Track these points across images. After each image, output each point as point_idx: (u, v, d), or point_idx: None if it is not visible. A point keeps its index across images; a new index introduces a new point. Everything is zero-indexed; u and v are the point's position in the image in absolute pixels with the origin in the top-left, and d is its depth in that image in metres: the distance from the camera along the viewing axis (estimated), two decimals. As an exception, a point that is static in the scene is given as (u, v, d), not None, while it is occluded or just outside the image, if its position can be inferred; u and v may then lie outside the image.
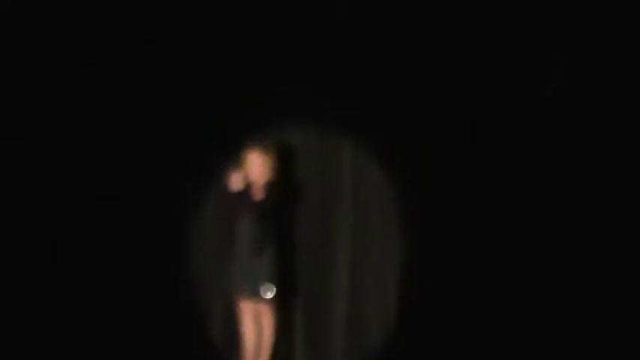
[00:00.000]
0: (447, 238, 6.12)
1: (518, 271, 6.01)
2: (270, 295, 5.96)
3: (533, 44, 5.86)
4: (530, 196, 5.98)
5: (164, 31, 5.79)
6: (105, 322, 5.87)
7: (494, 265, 6.04)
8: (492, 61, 5.93)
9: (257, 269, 5.99)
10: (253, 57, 5.98)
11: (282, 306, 6.17)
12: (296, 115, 6.14)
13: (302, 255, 6.30)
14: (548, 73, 5.91)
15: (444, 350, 6.01)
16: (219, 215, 6.15)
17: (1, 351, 5.47)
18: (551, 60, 5.80)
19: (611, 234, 5.82)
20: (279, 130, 6.22)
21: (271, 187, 6.03)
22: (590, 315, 5.84)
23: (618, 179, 5.83)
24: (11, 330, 5.54)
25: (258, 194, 6.03)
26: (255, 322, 6.08)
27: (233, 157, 6.02)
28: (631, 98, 5.78)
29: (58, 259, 5.75)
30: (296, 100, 6.09)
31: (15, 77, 5.60)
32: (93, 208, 5.87)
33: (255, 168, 5.99)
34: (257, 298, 6.00)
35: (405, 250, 6.25)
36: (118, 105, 5.87)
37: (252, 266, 5.99)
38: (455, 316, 6.08)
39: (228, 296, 6.13)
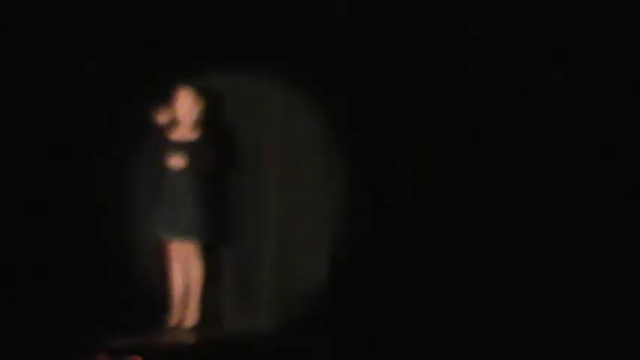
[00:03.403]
0: (378, 184, 6.14)
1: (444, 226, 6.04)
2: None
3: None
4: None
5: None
6: (36, 266, 5.87)
7: (418, 213, 6.07)
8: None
9: (185, 211, 5.94)
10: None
11: (211, 250, 6.13)
12: (226, 59, 6.13)
13: (231, 198, 6.27)
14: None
15: (374, 296, 6.02)
16: (151, 156, 6.09)
17: None
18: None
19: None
20: (210, 74, 6.17)
21: (199, 127, 5.99)
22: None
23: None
24: None
25: (186, 133, 5.99)
26: (184, 265, 6.03)
27: (163, 97, 5.97)
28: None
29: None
30: (226, 46, 6.08)
31: None
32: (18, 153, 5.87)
33: (182, 106, 5.95)
34: (184, 240, 5.96)
35: (336, 194, 6.24)
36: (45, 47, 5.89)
37: (180, 208, 5.94)
38: (385, 261, 6.08)
39: (159, 239, 6.07)
